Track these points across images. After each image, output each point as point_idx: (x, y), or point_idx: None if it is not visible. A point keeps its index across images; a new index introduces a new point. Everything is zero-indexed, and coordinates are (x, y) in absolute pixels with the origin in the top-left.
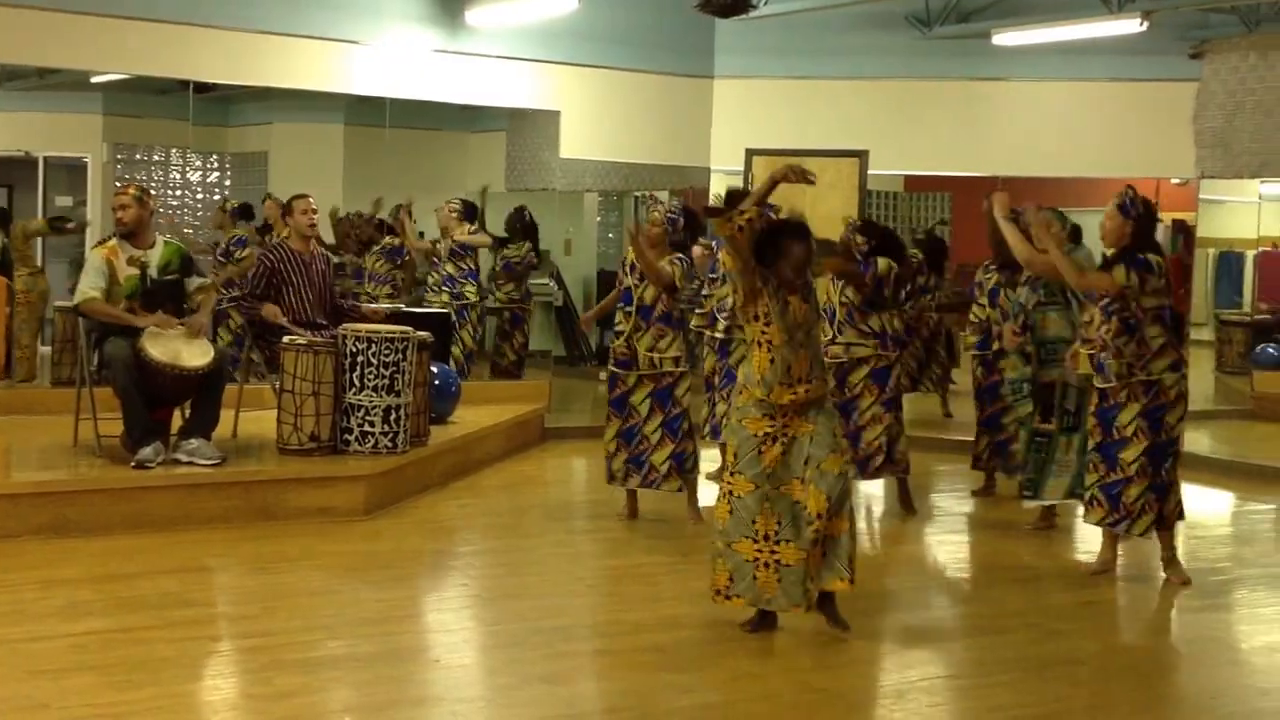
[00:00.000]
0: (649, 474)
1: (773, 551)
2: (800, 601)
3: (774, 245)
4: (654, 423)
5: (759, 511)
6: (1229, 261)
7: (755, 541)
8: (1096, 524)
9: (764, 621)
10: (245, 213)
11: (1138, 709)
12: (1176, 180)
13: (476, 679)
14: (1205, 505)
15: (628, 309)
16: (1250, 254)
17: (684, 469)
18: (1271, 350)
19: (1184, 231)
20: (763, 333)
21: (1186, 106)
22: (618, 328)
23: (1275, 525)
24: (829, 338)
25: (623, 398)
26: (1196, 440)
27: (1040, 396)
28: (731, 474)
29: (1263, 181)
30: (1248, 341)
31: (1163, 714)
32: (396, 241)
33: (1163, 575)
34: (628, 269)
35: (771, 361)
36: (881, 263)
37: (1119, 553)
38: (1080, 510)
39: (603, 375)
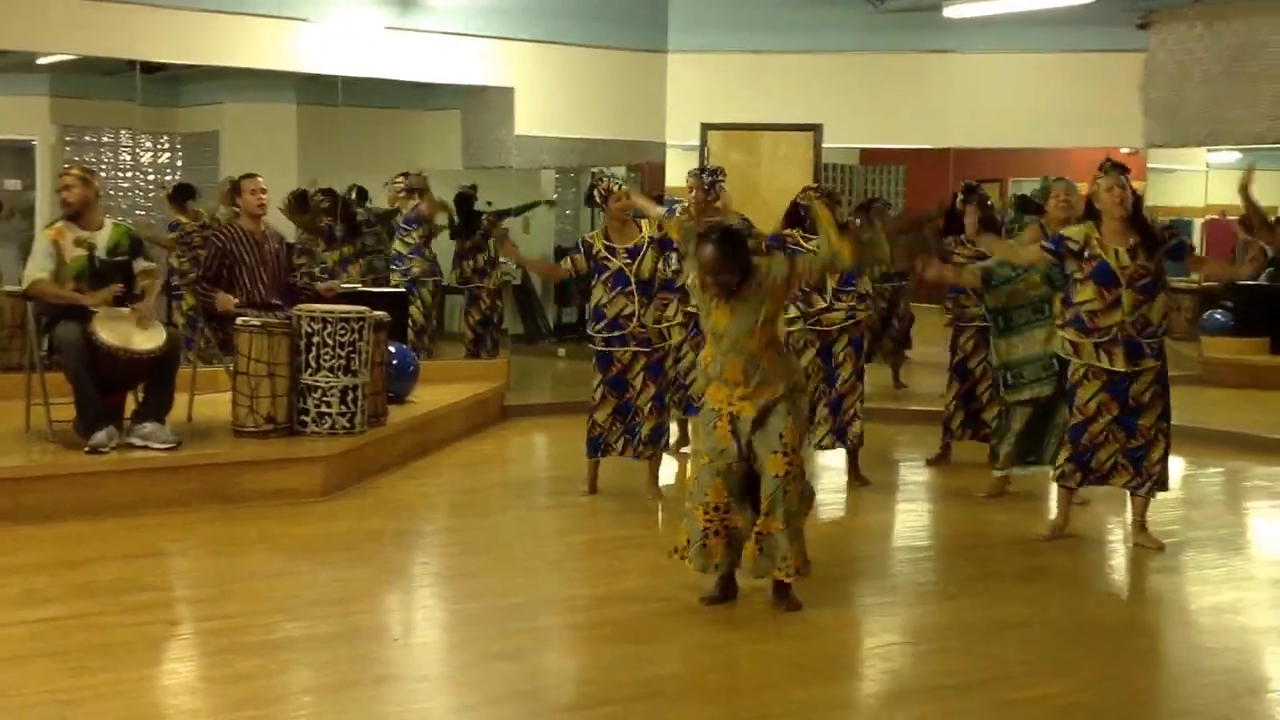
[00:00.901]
0: (639, 446)
1: (723, 520)
2: (746, 567)
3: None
4: (647, 394)
5: (710, 484)
6: (1176, 230)
7: (706, 512)
8: (1124, 486)
9: (724, 595)
10: (187, 192)
11: (1088, 670)
12: (1126, 150)
13: (437, 657)
14: None
15: (627, 290)
16: (1198, 222)
17: (657, 441)
18: (1219, 316)
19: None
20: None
21: (1135, 77)
22: (625, 311)
23: (1223, 489)
24: (825, 305)
25: (620, 377)
26: None
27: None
28: (696, 446)
29: (1210, 150)
30: (1196, 308)
31: (1113, 674)
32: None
33: (1123, 540)
34: (606, 254)
35: (711, 357)
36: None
37: (1069, 518)
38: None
39: (561, 352)
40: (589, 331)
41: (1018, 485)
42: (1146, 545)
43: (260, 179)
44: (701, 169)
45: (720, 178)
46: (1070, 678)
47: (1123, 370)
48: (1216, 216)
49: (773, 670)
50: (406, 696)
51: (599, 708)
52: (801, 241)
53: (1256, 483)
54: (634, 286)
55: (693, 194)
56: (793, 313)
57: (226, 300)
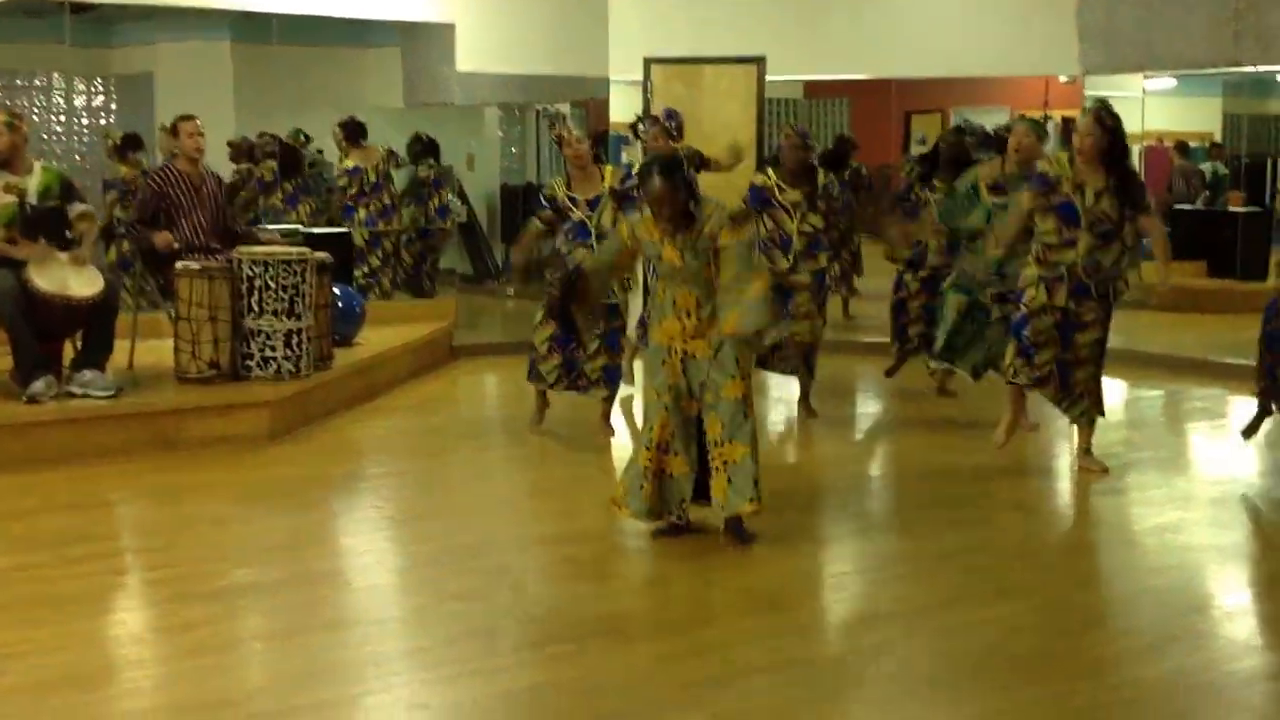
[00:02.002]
0: (578, 379)
1: (660, 462)
2: (676, 510)
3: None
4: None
5: (657, 421)
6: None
7: (649, 450)
8: (1050, 400)
9: (674, 528)
10: (133, 143)
11: (1038, 591)
12: (1065, 78)
13: (389, 600)
14: None
15: (588, 243)
16: (1136, 149)
17: (612, 381)
18: None
19: (1073, 130)
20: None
21: (1071, 2)
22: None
23: (1163, 411)
24: (789, 266)
25: None
26: None
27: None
28: (647, 382)
29: (1146, 76)
30: (1134, 234)
31: (1059, 595)
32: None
33: (1069, 466)
34: (568, 204)
35: (663, 290)
36: (822, 175)
37: (1019, 418)
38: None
39: (510, 291)
40: (548, 278)
41: (964, 412)
42: (1091, 469)
43: (198, 120)
44: (656, 118)
45: (680, 116)
46: (1018, 601)
47: (1064, 306)
48: (1153, 143)
49: (727, 601)
50: (360, 640)
51: (555, 645)
52: (776, 193)
53: (1195, 404)
54: (593, 240)
55: (657, 142)
56: None
57: (165, 237)
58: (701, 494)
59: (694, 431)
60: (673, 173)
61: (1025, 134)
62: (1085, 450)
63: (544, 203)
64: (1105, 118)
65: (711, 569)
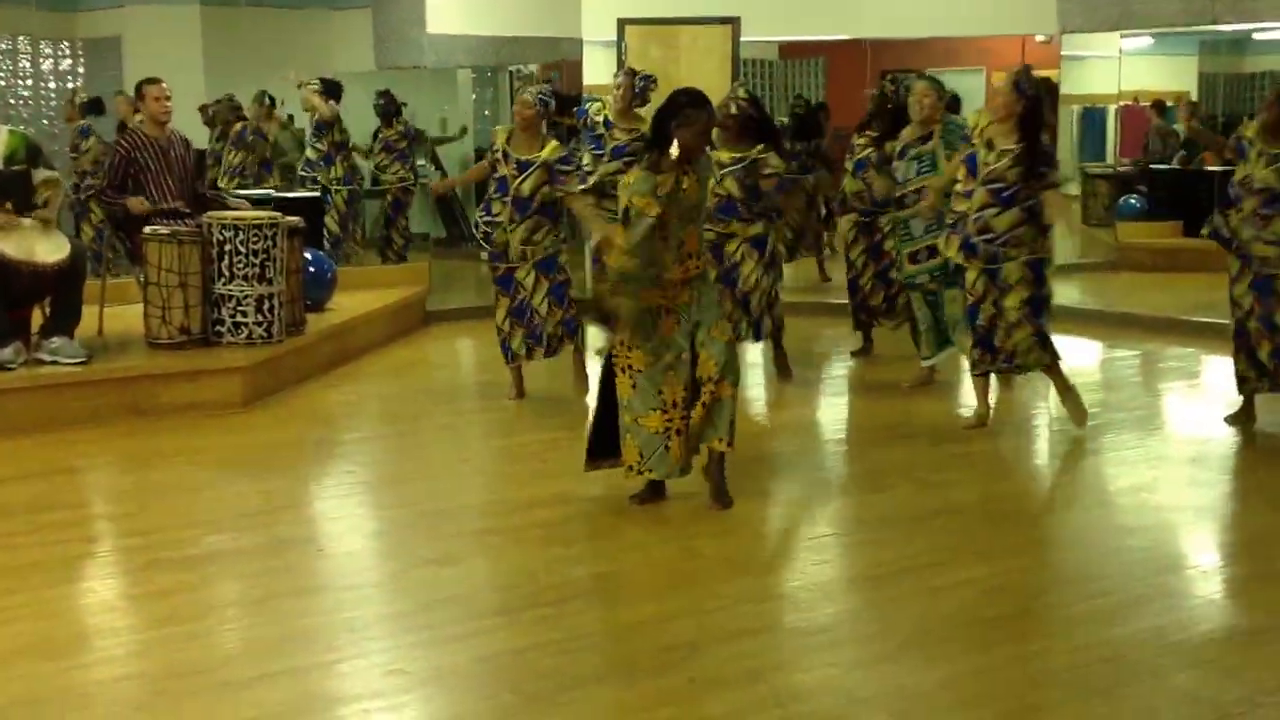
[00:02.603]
0: (548, 343)
1: (684, 418)
2: (687, 464)
3: (674, 114)
4: (540, 293)
5: (664, 381)
6: (1092, 117)
7: (665, 411)
8: (984, 373)
9: (653, 493)
10: (95, 107)
11: (1013, 552)
12: (1041, 38)
13: (363, 565)
14: (1073, 354)
15: (505, 199)
16: (1112, 109)
17: (574, 332)
18: (1134, 202)
19: (1049, 90)
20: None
21: None
22: (496, 217)
23: (1139, 371)
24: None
25: (508, 276)
26: (1064, 292)
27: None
28: (628, 348)
29: (1123, 35)
30: (1112, 194)
31: (1038, 556)
32: (238, 128)
33: (1045, 425)
34: (500, 156)
35: (665, 239)
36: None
37: (992, 405)
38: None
39: (484, 255)
40: (478, 219)
41: (939, 375)
42: (1076, 408)
43: (165, 84)
44: (633, 71)
45: (652, 85)
46: (994, 562)
47: (956, 260)
48: (1130, 103)
49: (702, 566)
50: (334, 605)
51: (529, 610)
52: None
53: (1170, 364)
54: (509, 199)
55: (620, 92)
56: None
57: (139, 202)
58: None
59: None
60: (704, 103)
61: (925, 93)
62: (1064, 389)
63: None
64: (1024, 85)
65: (688, 533)
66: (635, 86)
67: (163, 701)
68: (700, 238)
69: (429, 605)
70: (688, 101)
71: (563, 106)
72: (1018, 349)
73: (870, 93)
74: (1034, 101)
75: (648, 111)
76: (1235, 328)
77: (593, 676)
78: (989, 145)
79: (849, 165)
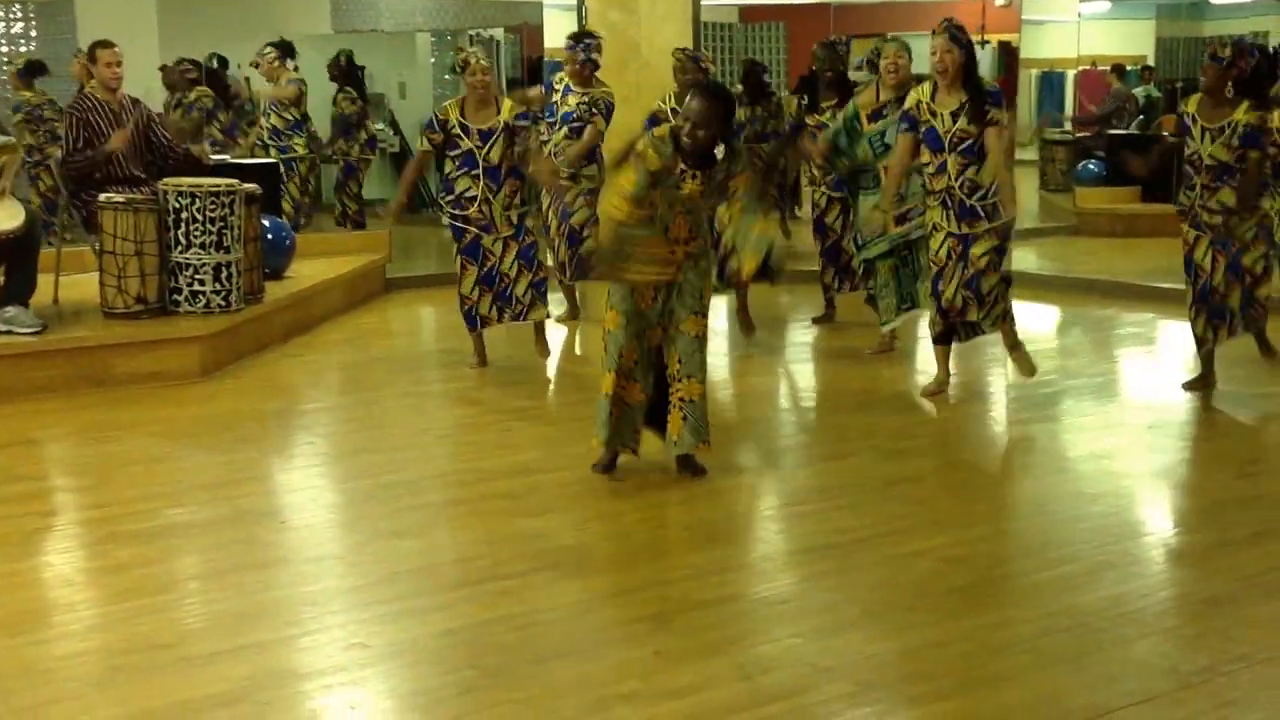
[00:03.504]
0: (516, 307)
1: (624, 390)
2: (630, 442)
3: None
4: (509, 257)
5: (626, 345)
6: (1050, 82)
7: (617, 376)
8: (976, 320)
9: (614, 462)
10: (36, 69)
11: (975, 520)
12: (1001, 2)
13: (325, 538)
14: (1032, 320)
15: (474, 173)
16: (1070, 73)
17: (544, 296)
18: (1092, 167)
19: (1009, 54)
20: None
21: None
22: (469, 193)
23: (1097, 337)
24: None
25: (474, 244)
26: (1023, 258)
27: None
28: (608, 308)
29: (1083, 1)
30: (1070, 159)
31: (998, 524)
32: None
33: (1004, 391)
34: (460, 131)
35: (651, 220)
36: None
37: (952, 372)
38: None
39: (445, 221)
40: (439, 199)
41: (900, 342)
42: (1022, 366)
43: (116, 48)
44: (574, 41)
45: (595, 48)
46: (956, 530)
47: (959, 232)
48: (1088, 67)
49: (666, 536)
50: (295, 579)
51: (494, 582)
52: (671, 116)
53: (1129, 330)
54: (480, 171)
55: (575, 66)
56: None
57: (120, 135)
58: (657, 422)
59: (655, 360)
60: (718, 98)
61: (897, 54)
62: (1013, 345)
63: (434, 124)
64: (959, 35)
65: (651, 504)
66: (578, 60)
67: (124, 677)
68: (694, 226)
69: (391, 578)
70: (692, 89)
71: (534, 74)
72: (985, 298)
73: (816, 52)
74: (969, 48)
75: (606, 74)
76: (1195, 293)
77: (557, 650)
78: (935, 114)
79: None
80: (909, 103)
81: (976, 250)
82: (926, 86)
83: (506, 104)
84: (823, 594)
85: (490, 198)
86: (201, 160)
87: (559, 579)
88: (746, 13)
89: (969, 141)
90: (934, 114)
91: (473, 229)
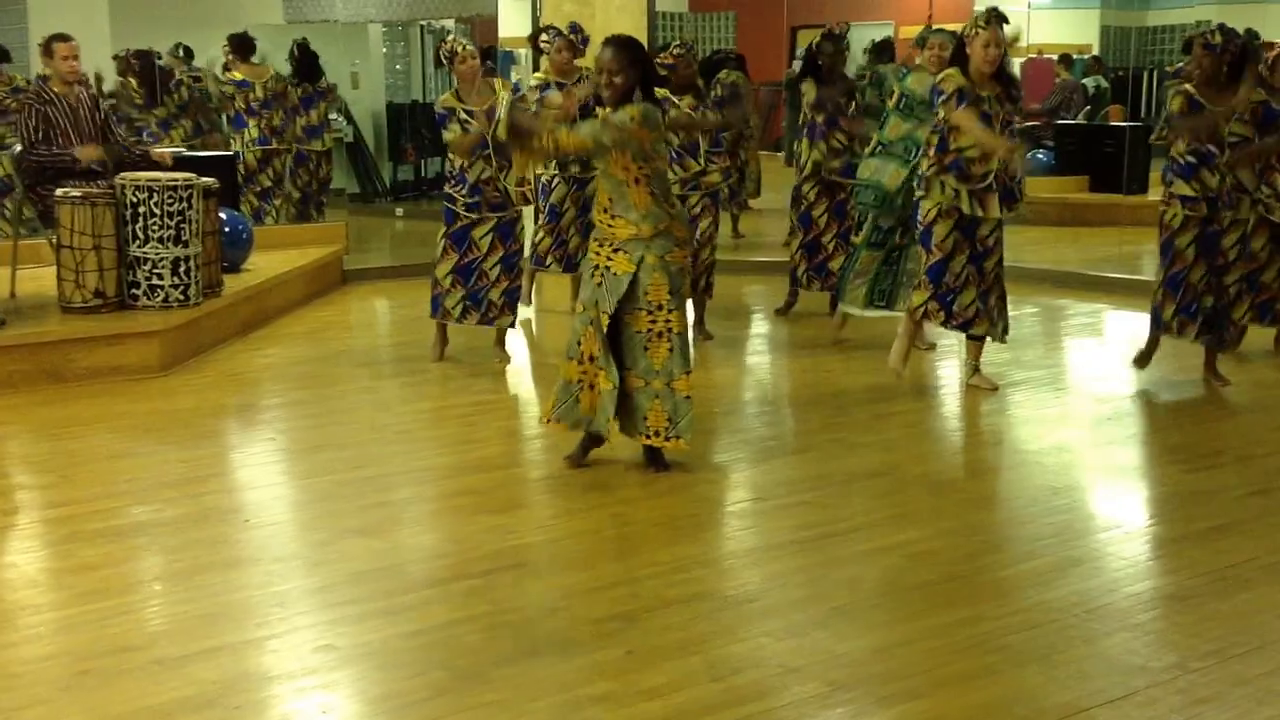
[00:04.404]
0: (488, 311)
1: (594, 376)
2: (603, 429)
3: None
4: (494, 259)
5: (583, 333)
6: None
7: (580, 363)
8: (985, 334)
9: (585, 452)
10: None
11: (940, 515)
12: None
13: (290, 536)
14: None
15: (485, 153)
16: (1018, 62)
17: (515, 305)
18: (1041, 156)
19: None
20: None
21: None
22: (484, 175)
23: (1050, 328)
24: (700, 168)
25: (464, 232)
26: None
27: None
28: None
29: None
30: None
31: (964, 519)
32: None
33: (961, 384)
34: (467, 116)
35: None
36: (686, 100)
37: (929, 341)
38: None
39: (399, 211)
40: (449, 192)
41: (859, 333)
42: (982, 386)
43: (74, 42)
44: (572, 27)
45: (585, 35)
46: (922, 525)
47: (996, 217)
48: (1035, 56)
49: (634, 532)
50: (262, 579)
51: (461, 581)
52: (676, 102)
53: (1080, 320)
54: (491, 151)
55: (562, 55)
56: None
57: (91, 149)
58: (620, 411)
59: (614, 343)
60: (627, 47)
61: (944, 46)
62: (975, 368)
63: (452, 115)
64: (1004, 28)
65: (617, 500)
66: (576, 45)
67: (92, 681)
68: (609, 195)
69: (357, 578)
70: (603, 43)
71: (485, 55)
72: (993, 313)
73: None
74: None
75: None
76: (1167, 277)
77: (527, 650)
78: (982, 100)
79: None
80: (952, 85)
81: (989, 264)
82: (957, 71)
83: (498, 81)
84: (791, 591)
85: (504, 176)
86: (161, 163)
87: (527, 577)
88: (696, 2)
89: (1012, 125)
90: (980, 99)
91: (473, 215)
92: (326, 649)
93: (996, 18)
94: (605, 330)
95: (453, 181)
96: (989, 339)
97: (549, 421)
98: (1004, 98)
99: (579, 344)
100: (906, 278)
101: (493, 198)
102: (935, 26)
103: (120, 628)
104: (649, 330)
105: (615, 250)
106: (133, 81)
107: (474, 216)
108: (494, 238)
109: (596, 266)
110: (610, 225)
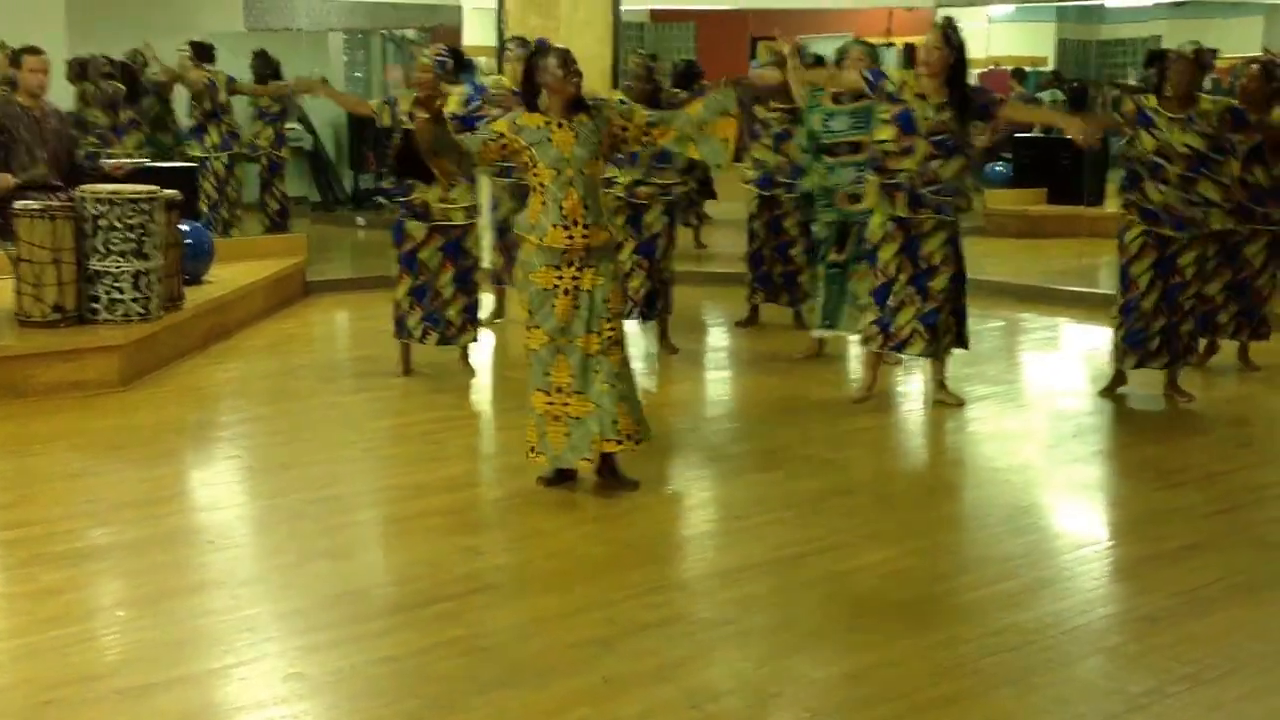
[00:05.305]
0: (446, 329)
1: (565, 404)
2: (587, 454)
3: (530, 73)
4: (445, 276)
5: (552, 364)
6: (988, 92)
7: (548, 394)
8: (920, 355)
9: (561, 475)
10: None
11: (912, 533)
12: (907, 7)
13: (256, 559)
14: None
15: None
16: (976, 73)
17: (475, 321)
18: (999, 168)
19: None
20: (534, 175)
21: None
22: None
23: (1013, 342)
24: (639, 176)
25: (412, 254)
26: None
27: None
28: (529, 328)
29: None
30: (978, 160)
31: (936, 538)
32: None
33: (928, 399)
34: (408, 119)
35: (543, 204)
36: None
37: (877, 378)
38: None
39: (360, 220)
40: (388, 200)
41: (827, 346)
42: (947, 402)
43: (44, 56)
44: (525, 41)
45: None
46: (891, 546)
47: (904, 215)
48: (992, 67)
49: (606, 553)
50: (229, 604)
51: (433, 605)
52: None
53: (1042, 334)
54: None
55: (519, 65)
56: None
57: (5, 180)
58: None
59: (594, 366)
60: (566, 52)
61: (861, 57)
62: (940, 383)
63: (388, 103)
64: (952, 35)
65: (588, 519)
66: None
67: (55, 712)
68: (589, 202)
69: (326, 602)
70: (534, 51)
71: (460, 66)
72: (937, 331)
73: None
74: (960, 51)
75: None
76: (1124, 303)
77: (502, 678)
78: (922, 99)
79: (766, 140)
80: (895, 77)
81: (938, 284)
82: (909, 74)
83: (454, 95)
84: (766, 614)
85: (428, 186)
86: (112, 175)
87: (500, 600)
88: (657, 13)
89: (944, 136)
90: (920, 98)
91: (410, 238)
92: (296, 677)
93: (941, 23)
94: (591, 349)
95: (392, 184)
96: (948, 355)
97: (538, 454)
98: (946, 107)
99: (546, 374)
100: (850, 298)
101: (418, 204)
102: (857, 39)
103: (83, 656)
104: (609, 339)
105: (581, 268)
106: (93, 86)
107: (410, 224)
108: (442, 256)
109: (566, 290)
110: (584, 236)
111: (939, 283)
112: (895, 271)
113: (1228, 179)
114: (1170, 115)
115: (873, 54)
